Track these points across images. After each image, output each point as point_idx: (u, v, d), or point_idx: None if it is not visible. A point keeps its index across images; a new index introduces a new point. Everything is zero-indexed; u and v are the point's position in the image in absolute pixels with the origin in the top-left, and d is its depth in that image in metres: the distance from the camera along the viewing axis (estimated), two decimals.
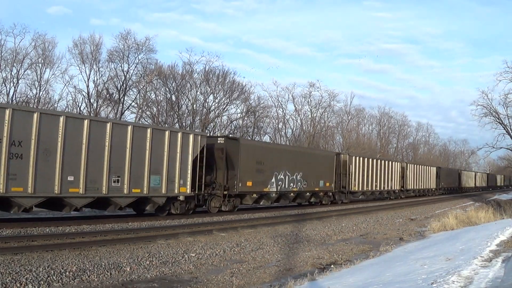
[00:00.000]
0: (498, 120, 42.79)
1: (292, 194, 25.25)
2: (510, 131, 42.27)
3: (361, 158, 33.55)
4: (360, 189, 32.99)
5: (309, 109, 58.92)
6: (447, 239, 13.72)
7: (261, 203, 23.62)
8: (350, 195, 31.72)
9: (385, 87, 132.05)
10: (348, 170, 31.10)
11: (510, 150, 49.24)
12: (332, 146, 61.60)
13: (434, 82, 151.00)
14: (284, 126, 58.00)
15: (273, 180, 23.24)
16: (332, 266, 10.55)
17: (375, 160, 36.11)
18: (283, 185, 24.04)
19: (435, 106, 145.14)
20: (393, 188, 39.30)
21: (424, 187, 47.36)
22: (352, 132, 68.64)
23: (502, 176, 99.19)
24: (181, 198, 17.78)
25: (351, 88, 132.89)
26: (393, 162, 40.31)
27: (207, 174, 19.28)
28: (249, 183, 21.39)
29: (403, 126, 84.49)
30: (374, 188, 35.41)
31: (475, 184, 71.69)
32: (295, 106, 58.73)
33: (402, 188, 41.54)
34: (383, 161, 37.74)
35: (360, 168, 32.88)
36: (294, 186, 25.18)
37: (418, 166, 46.56)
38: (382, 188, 37.04)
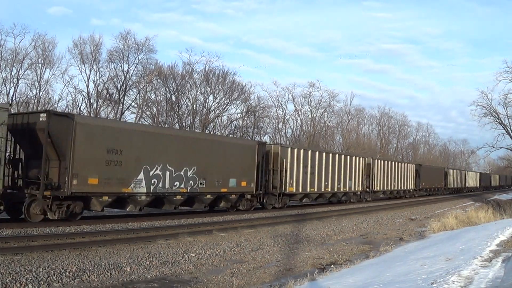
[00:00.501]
0: (498, 120, 42.88)
1: (178, 196, 18.07)
2: (510, 131, 42.31)
3: (301, 151, 26.20)
4: (301, 190, 25.90)
5: (309, 109, 59.02)
6: (447, 239, 13.73)
7: (127, 209, 16.67)
8: (285, 198, 25.00)
9: (385, 87, 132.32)
10: (281, 165, 24.15)
11: (510, 150, 49.23)
12: (332, 146, 61.65)
13: (434, 82, 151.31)
14: (284, 126, 58.06)
15: (141, 176, 16.38)
16: (332, 266, 10.56)
17: (324, 154, 28.70)
18: (160, 184, 17.10)
19: (435, 106, 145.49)
20: (353, 189, 32.09)
21: (399, 187, 40.25)
22: (352, 132, 68.68)
23: (497, 176, 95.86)
24: None
25: (351, 88, 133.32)
26: (354, 157, 32.65)
27: (32, 167, 14.44)
28: (93, 181, 14.79)
29: (403, 126, 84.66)
30: (324, 189, 28.26)
31: (465, 184, 65.46)
32: (295, 106, 58.83)
33: (368, 189, 34.64)
34: (337, 156, 30.57)
35: (301, 163, 25.71)
36: (182, 185, 18.06)
37: (390, 162, 38.93)
38: (336, 189, 29.68)
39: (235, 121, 49.28)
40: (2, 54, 35.79)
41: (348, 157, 31.94)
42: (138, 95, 42.39)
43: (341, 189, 30.39)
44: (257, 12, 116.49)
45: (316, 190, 27.40)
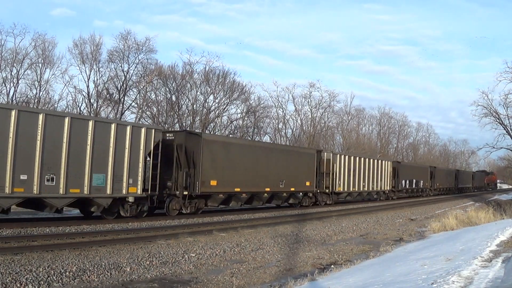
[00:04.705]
0: (498, 121, 42.64)
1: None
2: (510, 131, 42.20)
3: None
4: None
5: (309, 109, 58.91)
6: (447, 239, 13.73)
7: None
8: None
9: (385, 88, 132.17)
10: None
11: (510, 150, 49.13)
12: (332, 146, 61.58)
13: (434, 83, 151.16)
14: (284, 126, 57.99)
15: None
16: (332, 266, 10.55)
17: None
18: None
19: (434, 106, 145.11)
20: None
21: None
22: (352, 132, 68.60)
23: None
24: None
25: (351, 89, 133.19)
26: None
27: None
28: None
29: (403, 126, 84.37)
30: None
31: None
32: (295, 106, 58.72)
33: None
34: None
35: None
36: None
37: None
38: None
39: (235, 121, 49.28)
40: (2, 54, 35.76)
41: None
42: (138, 95, 42.32)
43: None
44: (259, 15, 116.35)
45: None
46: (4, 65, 35.69)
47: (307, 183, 26.08)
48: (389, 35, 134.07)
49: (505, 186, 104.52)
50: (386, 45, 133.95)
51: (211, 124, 45.88)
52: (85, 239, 11.95)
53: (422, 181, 45.46)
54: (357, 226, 18.95)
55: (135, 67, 41.28)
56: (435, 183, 49.84)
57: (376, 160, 35.54)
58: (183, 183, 17.93)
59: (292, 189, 24.77)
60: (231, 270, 9.94)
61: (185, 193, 18.02)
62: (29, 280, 7.88)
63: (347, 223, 19.64)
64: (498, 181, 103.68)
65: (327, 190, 28.32)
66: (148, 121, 41.94)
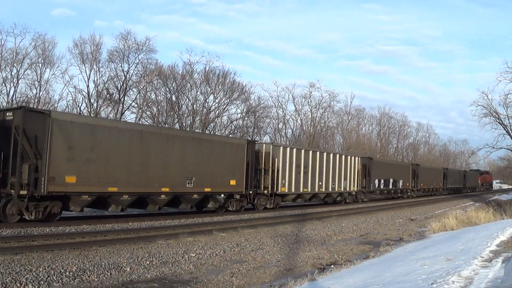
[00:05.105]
0: (498, 121, 42.76)
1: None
2: (510, 132, 42.24)
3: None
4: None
5: (309, 109, 58.96)
6: (447, 239, 13.73)
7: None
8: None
9: (385, 88, 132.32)
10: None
11: (510, 150, 49.17)
12: (332, 146, 61.65)
13: (434, 83, 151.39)
14: (284, 126, 58.03)
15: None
16: (332, 266, 10.57)
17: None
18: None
19: (434, 106, 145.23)
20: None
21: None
22: (352, 132, 68.65)
23: None
24: None
25: (351, 89, 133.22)
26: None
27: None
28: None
29: (403, 126, 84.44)
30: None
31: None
32: (295, 106, 58.76)
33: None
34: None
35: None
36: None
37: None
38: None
39: (235, 121, 49.31)
40: (2, 54, 35.80)
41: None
42: (138, 95, 42.40)
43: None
44: (259, 15, 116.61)
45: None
46: (4, 65, 35.76)
47: (232, 182, 20.42)
48: (389, 35, 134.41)
49: (505, 186, 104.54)
50: (386, 45, 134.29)
51: (211, 124, 45.93)
52: (85, 239, 11.95)
53: (401, 181, 40.34)
54: (357, 226, 18.96)
55: (135, 67, 41.39)
56: (419, 183, 44.71)
57: (338, 156, 29.92)
58: (25, 179, 13.36)
59: (207, 189, 19.15)
60: (231, 270, 9.94)
61: (23, 192, 13.22)
62: (29, 280, 7.89)
63: (347, 223, 19.65)
64: (497, 181, 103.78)
65: (265, 191, 22.82)
66: (148, 121, 42.01)
